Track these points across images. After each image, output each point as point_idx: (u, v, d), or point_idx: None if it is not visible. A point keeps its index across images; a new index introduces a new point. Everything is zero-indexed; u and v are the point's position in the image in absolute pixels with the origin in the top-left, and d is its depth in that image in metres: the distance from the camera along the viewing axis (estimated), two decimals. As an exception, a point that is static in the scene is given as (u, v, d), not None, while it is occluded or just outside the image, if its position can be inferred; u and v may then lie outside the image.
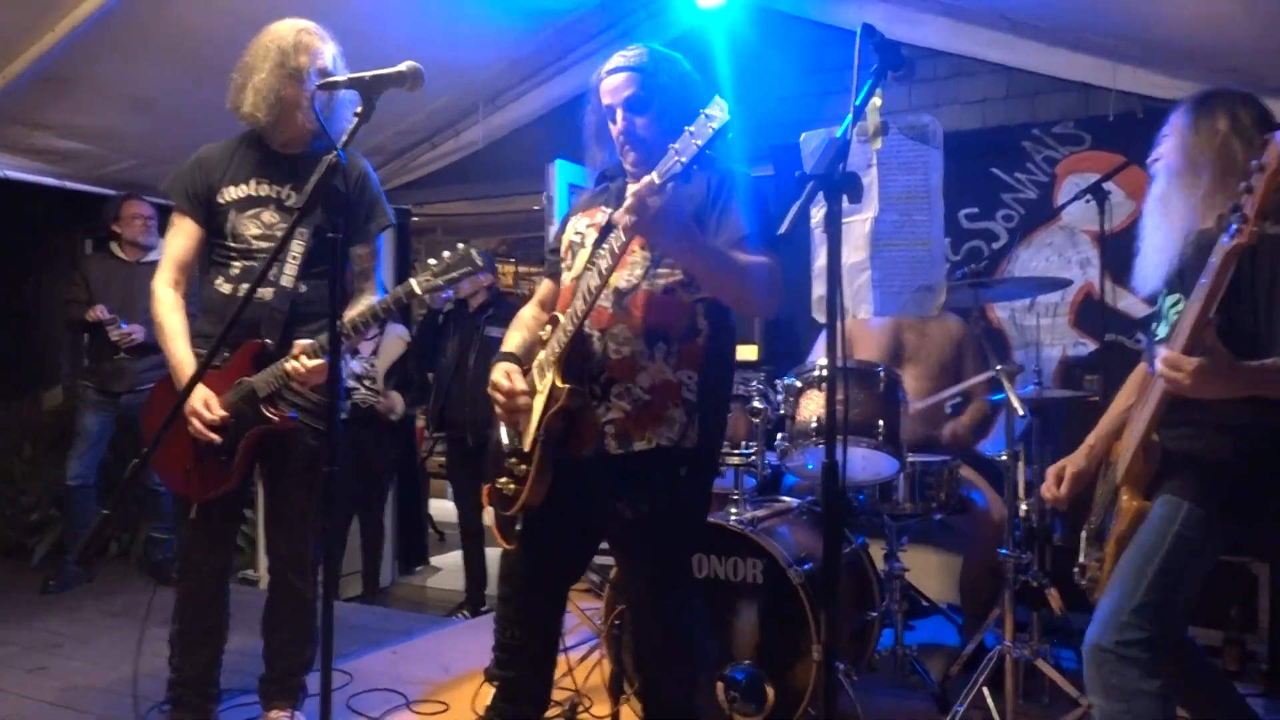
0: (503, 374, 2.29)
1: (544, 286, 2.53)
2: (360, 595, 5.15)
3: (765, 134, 4.58)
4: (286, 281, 2.65)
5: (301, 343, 2.55)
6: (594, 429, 2.20)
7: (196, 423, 2.55)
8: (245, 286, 2.63)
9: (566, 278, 2.35)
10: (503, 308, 4.67)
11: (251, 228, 2.68)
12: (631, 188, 2.04)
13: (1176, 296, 2.09)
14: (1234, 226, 1.70)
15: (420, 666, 3.65)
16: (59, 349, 6.43)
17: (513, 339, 2.41)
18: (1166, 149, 2.16)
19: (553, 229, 4.75)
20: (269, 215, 2.69)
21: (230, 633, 2.88)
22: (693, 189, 2.19)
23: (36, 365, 6.39)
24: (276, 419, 2.62)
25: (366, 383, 4.92)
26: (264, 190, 2.70)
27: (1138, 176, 3.84)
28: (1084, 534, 2.30)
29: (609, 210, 2.28)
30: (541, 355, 2.27)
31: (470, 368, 4.61)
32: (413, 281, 2.47)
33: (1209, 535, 1.96)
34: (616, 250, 2.06)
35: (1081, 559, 2.29)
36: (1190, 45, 3.84)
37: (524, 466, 2.25)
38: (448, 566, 5.97)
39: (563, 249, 2.43)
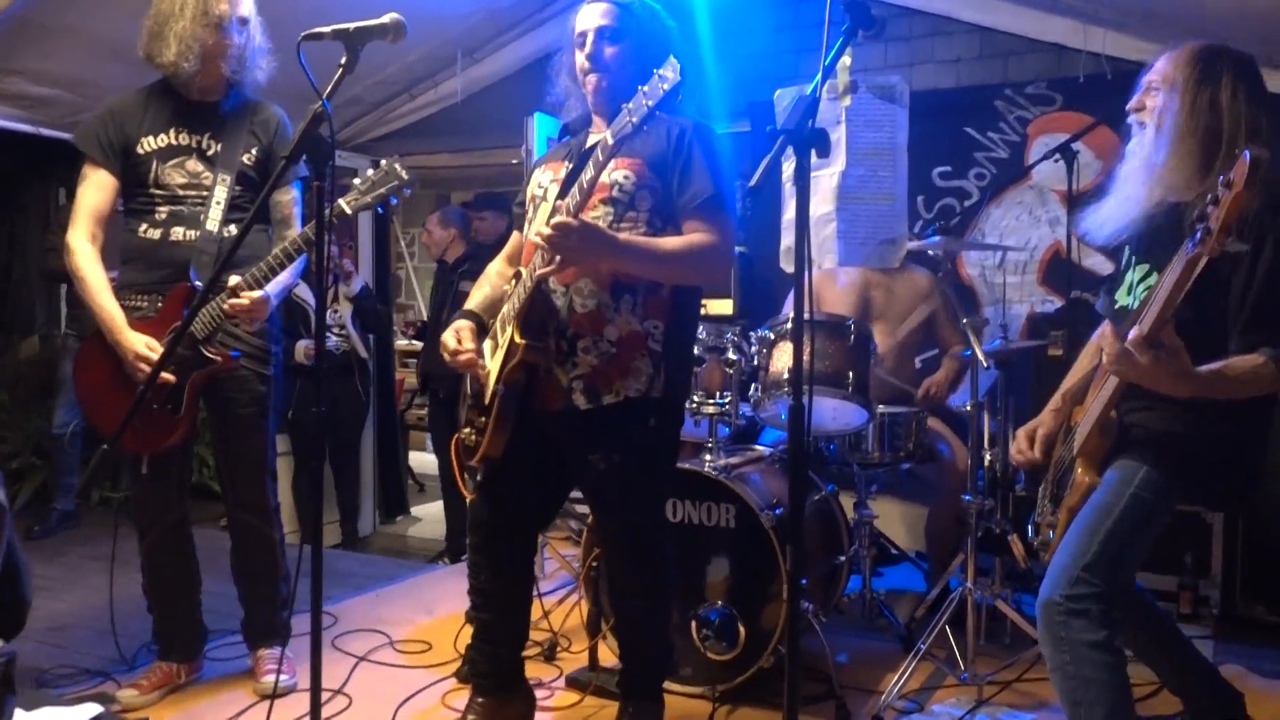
0: (452, 333, 2.34)
1: (512, 240, 2.58)
2: (339, 543, 5.23)
3: (743, 90, 4.61)
4: (212, 225, 2.66)
5: (235, 279, 2.55)
6: (559, 384, 2.26)
7: (144, 367, 2.53)
8: (176, 230, 2.66)
9: (528, 231, 2.40)
10: (480, 261, 4.70)
11: (176, 176, 2.69)
12: (558, 216, 2.05)
13: (1146, 268, 2.11)
14: (1198, 235, 1.71)
15: (403, 609, 3.74)
16: (34, 298, 6.40)
17: (475, 296, 2.46)
18: (1162, 105, 2.07)
19: (531, 183, 4.80)
20: (193, 164, 2.70)
21: (212, 576, 2.95)
22: (651, 137, 2.22)
23: (11, 315, 6.36)
24: (219, 359, 2.62)
25: (334, 329, 4.96)
26: (184, 139, 2.71)
27: (1107, 137, 3.95)
28: (1041, 491, 2.37)
29: (569, 164, 2.33)
30: (504, 309, 2.31)
31: (445, 322, 4.65)
32: (342, 201, 2.49)
33: (1163, 498, 2.03)
34: (547, 251, 2.11)
35: (1036, 517, 2.35)
36: (1161, 8, 3.90)
37: (484, 419, 2.30)
38: (428, 516, 6.06)
39: (527, 201, 2.47)
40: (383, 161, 2.50)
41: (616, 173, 2.23)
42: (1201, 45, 2.10)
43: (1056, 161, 3.66)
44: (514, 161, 5.23)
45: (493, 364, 2.29)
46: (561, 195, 2.25)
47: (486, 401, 2.29)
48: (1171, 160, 2.04)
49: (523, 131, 4.88)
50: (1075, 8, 4.13)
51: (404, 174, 2.47)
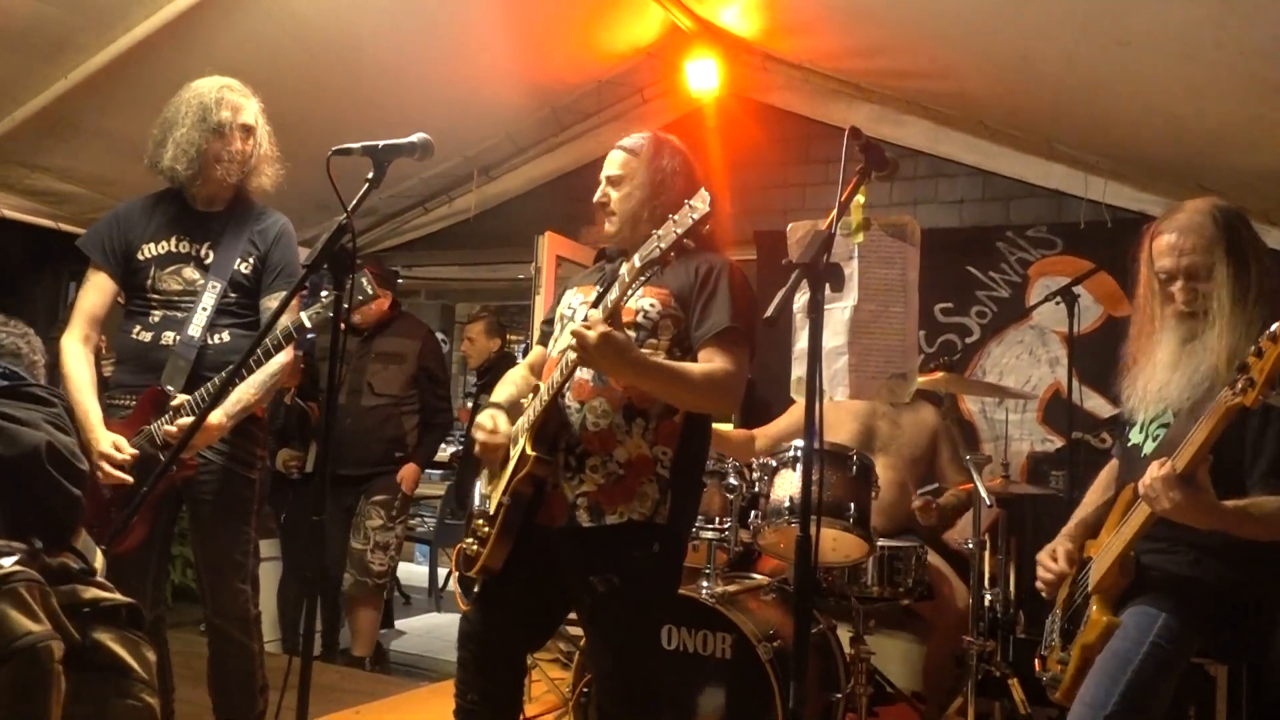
0: (488, 416, 2.35)
1: (535, 351, 2.60)
2: (319, 655, 5.09)
3: (751, 219, 4.74)
4: (194, 331, 2.67)
5: (182, 397, 2.55)
6: (564, 500, 2.24)
7: (107, 466, 2.49)
8: (167, 335, 2.67)
9: (553, 349, 2.43)
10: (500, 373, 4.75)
11: (173, 283, 2.71)
12: (582, 319, 2.11)
13: (1163, 406, 2.15)
14: (1240, 385, 1.79)
15: (383, 728, 3.61)
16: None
17: (500, 392, 2.47)
18: (1205, 277, 2.11)
19: (539, 298, 4.87)
20: (189, 271, 2.72)
21: (189, 682, 2.86)
22: (680, 270, 2.28)
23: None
24: (174, 467, 2.54)
25: None
26: (183, 247, 2.74)
27: (1106, 282, 4.03)
28: (1049, 624, 2.34)
29: (600, 288, 2.38)
30: (519, 422, 2.33)
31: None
32: (303, 315, 2.51)
33: (1182, 647, 2.02)
34: (567, 369, 2.15)
35: (1043, 649, 2.32)
36: (1159, 162, 4.04)
37: (487, 529, 2.28)
38: (412, 630, 5.91)
39: (555, 319, 2.51)
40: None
41: (644, 300, 2.28)
42: (1217, 206, 2.16)
43: (1058, 304, 3.73)
44: (521, 277, 5.32)
45: (502, 476, 2.28)
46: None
47: (492, 512, 2.27)
48: (1224, 336, 2.08)
49: (533, 249, 4.99)
50: (1075, 157, 4.27)
51: (369, 289, 2.50)
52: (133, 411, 2.65)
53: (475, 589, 2.37)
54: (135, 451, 2.54)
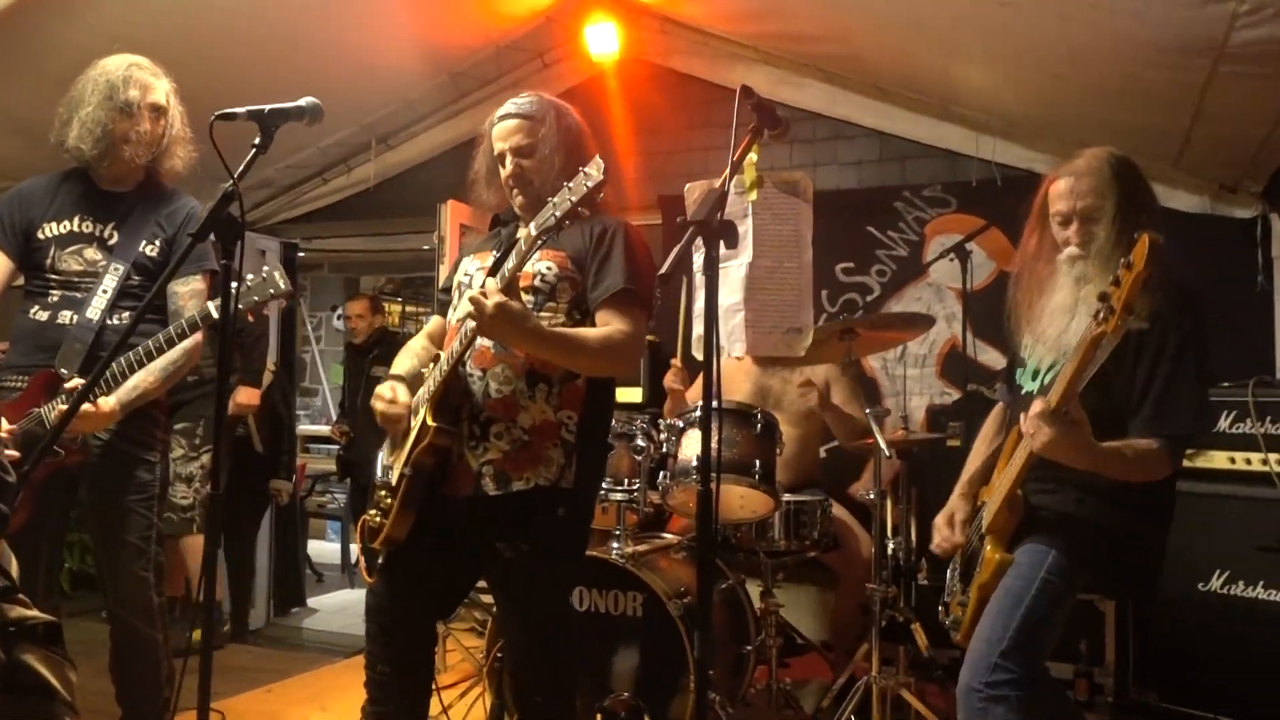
0: (388, 386, 2.33)
1: (434, 321, 2.58)
2: (229, 636, 4.99)
3: (655, 184, 4.75)
4: (93, 313, 2.59)
5: (75, 381, 2.48)
6: (469, 469, 2.24)
7: None
8: (64, 314, 2.59)
9: (452, 317, 2.41)
10: (389, 347, 4.70)
11: (73, 263, 2.63)
12: (479, 287, 2.10)
13: (1054, 357, 2.20)
14: (1100, 314, 1.83)
15: (297, 705, 3.58)
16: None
17: (400, 363, 2.45)
18: (1099, 220, 2.15)
19: (444, 268, 4.81)
20: (91, 252, 2.64)
21: (90, 670, 2.78)
22: (575, 232, 2.28)
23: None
24: (62, 452, 2.49)
25: None
26: (86, 227, 2.65)
27: (998, 238, 4.16)
28: (950, 570, 2.42)
29: (497, 254, 2.36)
30: (420, 392, 2.31)
31: (359, 408, 4.61)
32: (210, 305, 2.46)
33: (1071, 582, 2.10)
34: (467, 337, 2.15)
35: (945, 596, 2.40)
36: (1045, 122, 4.18)
37: (390, 500, 2.26)
38: (325, 608, 5.83)
39: (453, 288, 2.49)
40: (265, 269, 2.46)
41: (540, 264, 2.27)
42: (1114, 159, 2.19)
43: (951, 260, 3.84)
44: (425, 248, 5.24)
45: (404, 447, 2.26)
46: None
47: (394, 483, 2.25)
48: (1106, 273, 2.09)
49: (435, 218, 4.92)
50: (967, 117, 4.39)
51: (283, 284, 2.42)
52: (22, 393, 2.54)
53: (379, 560, 2.35)
54: (13, 428, 2.44)
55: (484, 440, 2.24)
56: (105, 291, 2.60)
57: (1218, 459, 3.31)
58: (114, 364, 2.46)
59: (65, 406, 2.46)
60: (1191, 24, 2.85)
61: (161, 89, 2.65)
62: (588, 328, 2.26)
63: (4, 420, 2.46)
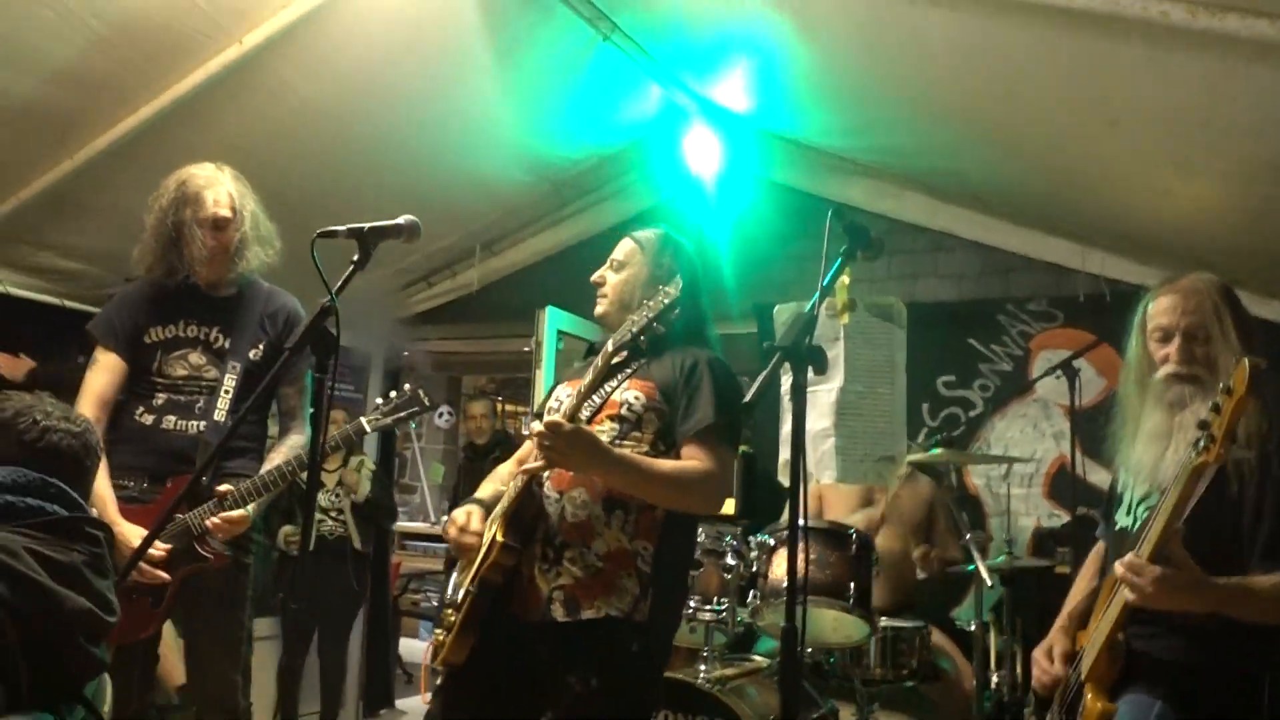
0: (463, 512, 2.29)
1: (526, 445, 2.56)
2: (318, 737, 4.99)
3: (752, 293, 4.74)
4: (219, 416, 2.66)
5: (226, 486, 2.54)
6: (539, 593, 2.16)
7: (147, 568, 2.46)
8: (169, 419, 2.67)
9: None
10: (509, 449, 4.75)
11: (179, 368, 2.71)
12: (550, 417, 2.11)
13: (1146, 486, 2.08)
14: (1201, 444, 1.72)
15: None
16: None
17: (484, 489, 2.43)
18: (1203, 340, 2.03)
19: (540, 373, 4.87)
20: (196, 357, 2.73)
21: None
22: (665, 363, 2.26)
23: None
24: (211, 557, 2.56)
25: (332, 514, 4.93)
26: (191, 331, 2.74)
27: (1108, 354, 4.00)
28: (1049, 715, 2.27)
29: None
30: (496, 509, 2.27)
31: None
32: (363, 420, 2.56)
33: None
34: (535, 466, 2.14)
35: None
36: (1157, 238, 4.05)
37: (454, 618, 2.20)
38: (413, 710, 5.80)
39: (545, 413, 2.47)
40: (407, 385, 2.54)
41: (628, 392, 2.25)
42: (1219, 284, 2.10)
43: (1059, 377, 3.70)
44: (525, 350, 5.33)
45: (473, 564, 2.23)
46: None
47: (459, 601, 2.21)
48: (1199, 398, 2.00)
49: (534, 322, 5.00)
50: (1072, 230, 4.29)
51: (426, 400, 2.52)
52: (159, 499, 2.61)
53: (438, 681, 2.30)
54: (169, 546, 2.51)
55: (557, 564, 2.17)
56: (228, 394, 2.69)
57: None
58: (267, 472, 2.56)
59: (216, 517, 2.52)
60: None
61: (222, 199, 2.70)
62: (668, 460, 2.21)
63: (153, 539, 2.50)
